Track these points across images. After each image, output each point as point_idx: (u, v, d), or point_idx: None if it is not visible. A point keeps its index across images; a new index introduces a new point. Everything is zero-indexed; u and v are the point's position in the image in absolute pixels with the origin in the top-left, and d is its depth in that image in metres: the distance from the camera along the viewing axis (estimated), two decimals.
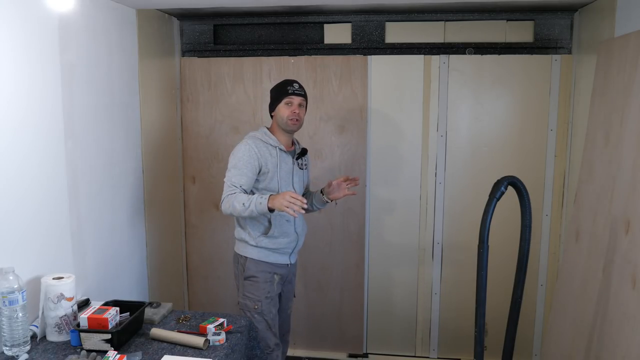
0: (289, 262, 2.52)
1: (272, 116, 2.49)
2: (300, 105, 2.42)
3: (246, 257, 2.43)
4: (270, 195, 2.24)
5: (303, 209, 2.17)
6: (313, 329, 3.40)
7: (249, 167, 2.33)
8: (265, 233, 2.40)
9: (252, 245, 2.41)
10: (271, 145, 2.40)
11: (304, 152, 2.55)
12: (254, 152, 2.34)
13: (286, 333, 2.69)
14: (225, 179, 2.34)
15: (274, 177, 2.39)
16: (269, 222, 2.40)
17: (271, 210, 2.21)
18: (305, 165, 2.59)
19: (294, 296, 2.71)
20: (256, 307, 2.40)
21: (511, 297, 2.20)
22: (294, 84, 2.43)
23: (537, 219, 3.12)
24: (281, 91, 2.43)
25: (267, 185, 2.38)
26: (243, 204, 2.23)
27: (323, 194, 2.54)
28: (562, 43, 3.05)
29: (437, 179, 3.20)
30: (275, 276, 2.47)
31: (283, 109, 2.41)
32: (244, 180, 2.32)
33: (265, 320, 2.41)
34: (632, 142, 2.09)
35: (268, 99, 2.51)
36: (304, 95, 2.46)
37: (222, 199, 2.30)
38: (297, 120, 2.41)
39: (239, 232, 2.47)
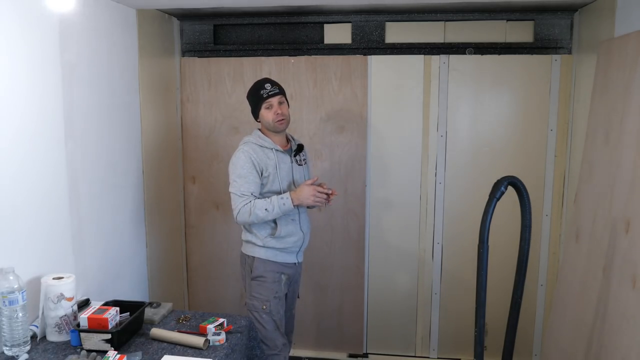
0: (296, 261, 2.53)
1: (258, 121, 2.48)
2: (280, 103, 2.41)
3: (254, 257, 2.43)
4: (290, 192, 2.33)
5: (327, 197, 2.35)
6: (313, 329, 3.40)
7: (253, 173, 2.33)
8: (272, 234, 2.40)
9: (259, 245, 2.41)
10: (267, 147, 2.40)
11: (300, 148, 2.54)
12: (253, 158, 2.34)
13: (290, 333, 2.69)
14: (232, 190, 2.34)
15: (275, 179, 2.39)
16: (275, 222, 2.40)
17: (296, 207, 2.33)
18: (304, 160, 2.58)
19: (298, 297, 2.72)
20: (264, 307, 2.40)
21: (511, 297, 2.19)
22: (266, 85, 2.40)
23: (537, 219, 3.12)
24: (257, 97, 2.41)
25: (270, 187, 2.38)
26: (265, 209, 2.28)
27: None
28: (562, 43, 3.05)
29: (437, 179, 3.20)
30: (283, 276, 2.47)
31: (266, 114, 2.40)
32: (253, 187, 2.33)
33: (274, 320, 2.42)
34: (632, 142, 2.09)
35: None
36: (280, 92, 2.43)
37: (236, 211, 2.30)
38: (282, 119, 2.40)
39: (245, 234, 2.47)
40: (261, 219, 2.31)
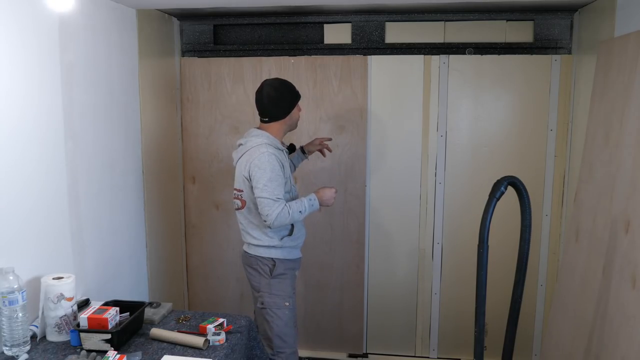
0: (301, 255, 2.59)
1: (277, 119, 2.44)
2: None
3: (272, 259, 2.44)
4: (315, 194, 2.42)
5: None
6: (313, 328, 3.40)
7: (281, 176, 2.35)
8: (290, 234, 2.45)
9: (278, 247, 2.43)
10: (279, 148, 2.42)
11: (292, 148, 2.62)
12: (279, 160, 2.35)
13: None
14: (265, 195, 2.28)
15: (288, 180, 2.43)
16: (291, 223, 2.43)
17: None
18: None
19: None
20: (287, 303, 2.43)
21: (511, 297, 2.20)
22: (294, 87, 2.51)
23: (537, 219, 3.12)
24: (296, 95, 2.49)
25: (284, 189, 2.40)
26: (299, 211, 2.34)
27: (305, 153, 2.77)
28: (562, 43, 3.05)
29: (437, 179, 3.20)
30: (297, 272, 2.55)
31: (297, 113, 2.50)
32: (283, 189, 2.35)
33: (294, 316, 2.46)
34: (632, 142, 2.09)
35: None
36: None
37: (274, 215, 2.27)
38: None
39: (258, 239, 2.43)
40: (295, 220, 2.37)
